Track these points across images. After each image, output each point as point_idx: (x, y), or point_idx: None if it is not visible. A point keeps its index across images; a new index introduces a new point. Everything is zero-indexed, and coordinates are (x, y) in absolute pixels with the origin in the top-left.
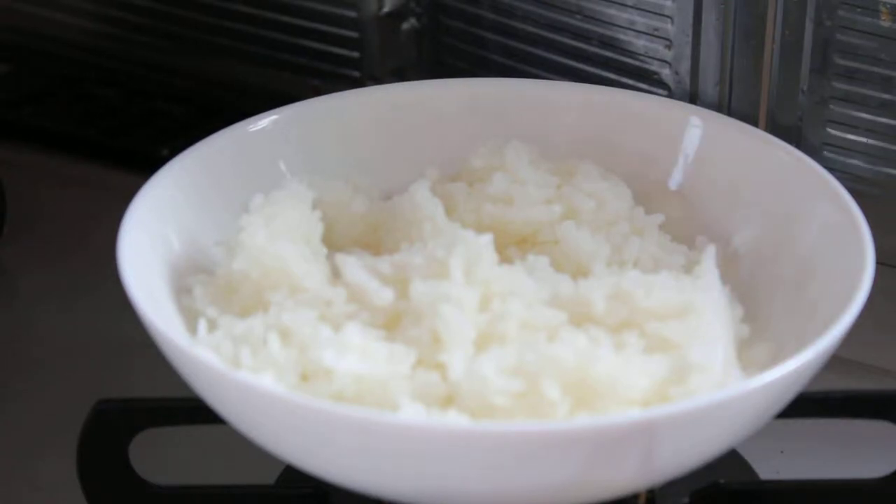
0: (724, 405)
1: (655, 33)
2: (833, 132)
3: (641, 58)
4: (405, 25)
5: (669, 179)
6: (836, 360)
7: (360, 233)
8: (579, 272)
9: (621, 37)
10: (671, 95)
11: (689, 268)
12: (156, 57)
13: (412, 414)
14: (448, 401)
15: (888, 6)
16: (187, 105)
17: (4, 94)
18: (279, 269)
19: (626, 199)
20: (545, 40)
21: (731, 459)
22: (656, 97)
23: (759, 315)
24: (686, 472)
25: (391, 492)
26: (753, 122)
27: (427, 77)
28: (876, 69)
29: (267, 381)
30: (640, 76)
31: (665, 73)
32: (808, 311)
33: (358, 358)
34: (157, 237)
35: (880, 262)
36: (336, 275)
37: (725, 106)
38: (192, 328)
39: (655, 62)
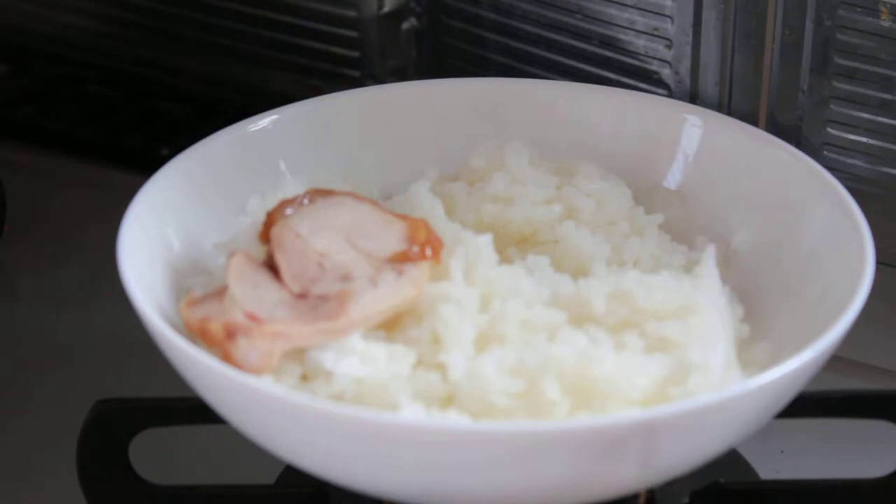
0: (724, 405)
1: (655, 33)
2: (833, 132)
3: (641, 58)
4: (405, 25)
5: (669, 179)
6: (836, 360)
7: None
8: (579, 272)
9: (621, 37)
10: (671, 95)
11: (689, 268)
12: (156, 57)
13: (412, 414)
14: (448, 401)
15: (888, 6)
16: (187, 105)
17: (4, 94)
18: None
19: (626, 199)
20: (545, 40)
21: (731, 459)
22: (656, 97)
23: (759, 315)
24: (686, 471)
25: (391, 491)
26: (753, 122)
27: (427, 77)
28: (876, 69)
29: (267, 382)
30: (640, 76)
31: (665, 73)
32: (808, 311)
33: (358, 361)
34: (157, 237)
35: (880, 262)
36: None
37: (725, 106)
38: None
39: (655, 62)
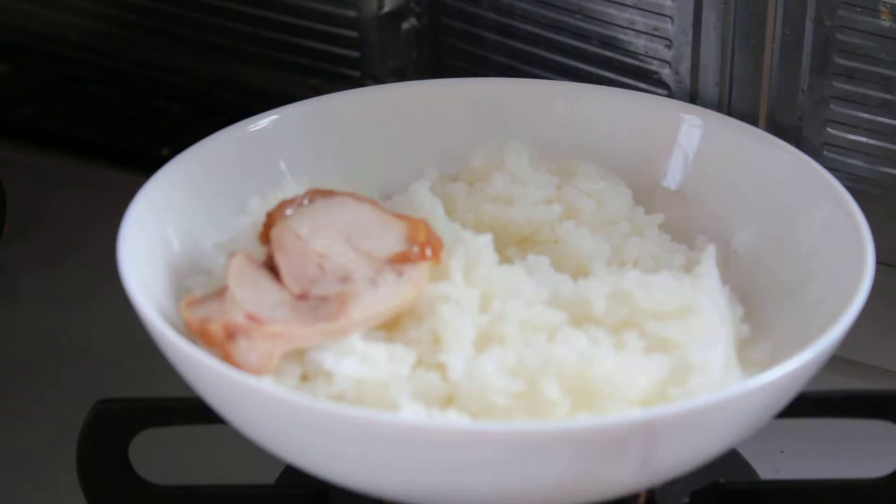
0: (724, 405)
1: (655, 33)
2: (833, 132)
3: (641, 58)
4: (405, 25)
5: (669, 179)
6: (836, 360)
7: None
8: (579, 272)
9: (621, 37)
10: (671, 95)
11: (689, 268)
12: (156, 57)
13: (412, 414)
14: (448, 401)
15: (888, 6)
16: (187, 105)
17: (4, 94)
18: None
19: (626, 199)
20: (545, 40)
21: (731, 459)
22: (656, 97)
23: (759, 315)
24: (686, 471)
25: (391, 491)
26: (753, 122)
27: (427, 77)
28: (876, 69)
29: (267, 382)
30: (640, 76)
31: (665, 73)
32: (808, 311)
33: (358, 361)
34: (157, 237)
35: (880, 262)
36: None
37: (725, 106)
38: None
39: (655, 62)
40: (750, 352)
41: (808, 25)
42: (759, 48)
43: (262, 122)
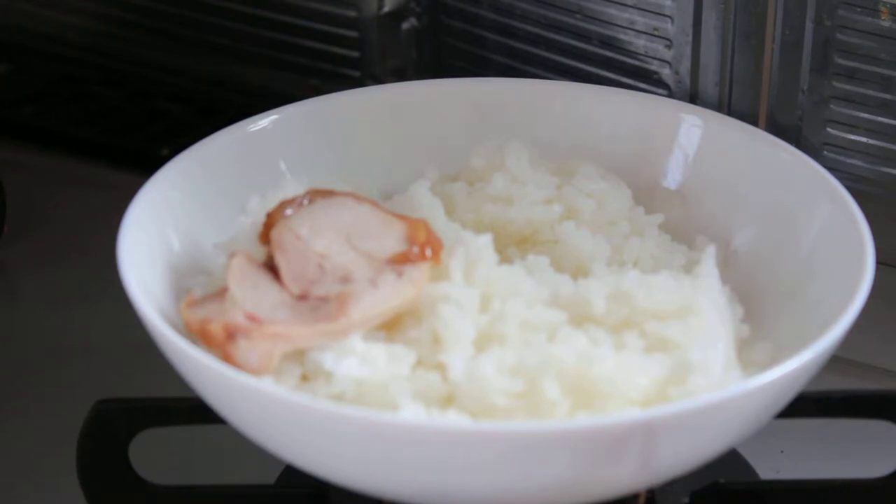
0: (724, 405)
1: (655, 33)
2: (833, 132)
3: (641, 58)
4: (405, 25)
5: (669, 179)
6: (836, 360)
7: None
8: (579, 272)
9: (621, 37)
10: (671, 95)
11: (689, 268)
12: (156, 57)
13: (412, 414)
14: (448, 401)
15: (888, 6)
16: (187, 105)
17: (4, 94)
18: None
19: (626, 199)
20: (545, 40)
21: (731, 459)
22: (656, 97)
23: (759, 315)
24: (686, 471)
25: (391, 491)
26: (753, 122)
27: (427, 77)
28: (876, 69)
29: (267, 382)
30: (640, 76)
31: (665, 73)
32: (808, 311)
33: (358, 361)
34: (157, 237)
35: (880, 262)
36: None
37: (725, 106)
38: None
39: (655, 62)
40: (750, 352)
41: (808, 25)
42: (759, 48)
43: (262, 122)
